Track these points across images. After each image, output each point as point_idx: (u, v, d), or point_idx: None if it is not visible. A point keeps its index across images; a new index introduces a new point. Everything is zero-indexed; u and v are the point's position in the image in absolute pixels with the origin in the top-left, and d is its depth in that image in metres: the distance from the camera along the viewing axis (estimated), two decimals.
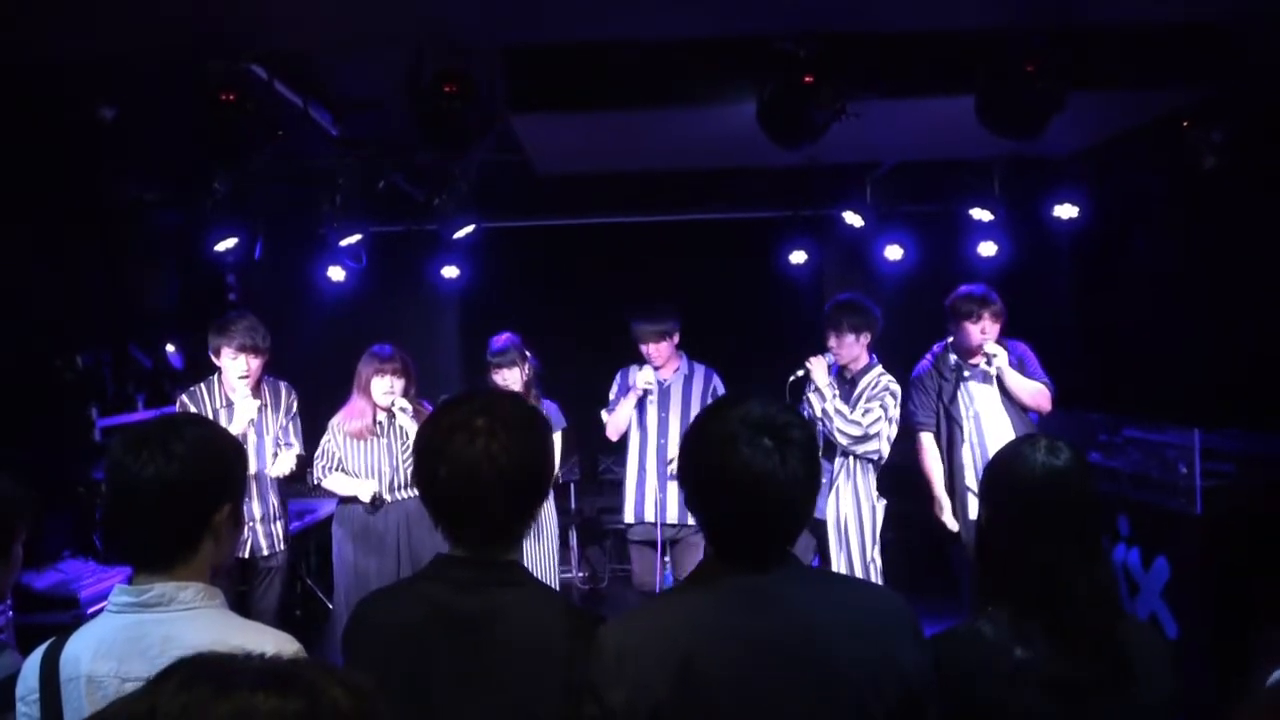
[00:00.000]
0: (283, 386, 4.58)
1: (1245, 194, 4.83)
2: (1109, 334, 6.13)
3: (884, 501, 4.77)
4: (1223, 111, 4.49)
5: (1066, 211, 5.60)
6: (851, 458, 4.67)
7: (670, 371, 4.92)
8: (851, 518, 4.70)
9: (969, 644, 1.83)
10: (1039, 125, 3.52)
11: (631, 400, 4.85)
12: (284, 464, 4.46)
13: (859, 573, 4.64)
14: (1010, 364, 4.68)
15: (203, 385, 4.43)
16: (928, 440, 4.82)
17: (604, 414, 4.99)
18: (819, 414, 4.60)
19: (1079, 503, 1.86)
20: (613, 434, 4.99)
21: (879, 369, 4.76)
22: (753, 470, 1.58)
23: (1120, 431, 5.15)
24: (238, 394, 4.28)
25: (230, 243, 5.37)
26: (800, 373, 4.72)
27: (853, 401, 4.68)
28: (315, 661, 0.70)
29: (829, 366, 4.74)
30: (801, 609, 1.61)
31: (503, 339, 4.96)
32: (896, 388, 4.70)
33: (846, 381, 4.77)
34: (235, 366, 4.27)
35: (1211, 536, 4.29)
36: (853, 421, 4.60)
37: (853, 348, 4.71)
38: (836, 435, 4.60)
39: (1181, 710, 1.85)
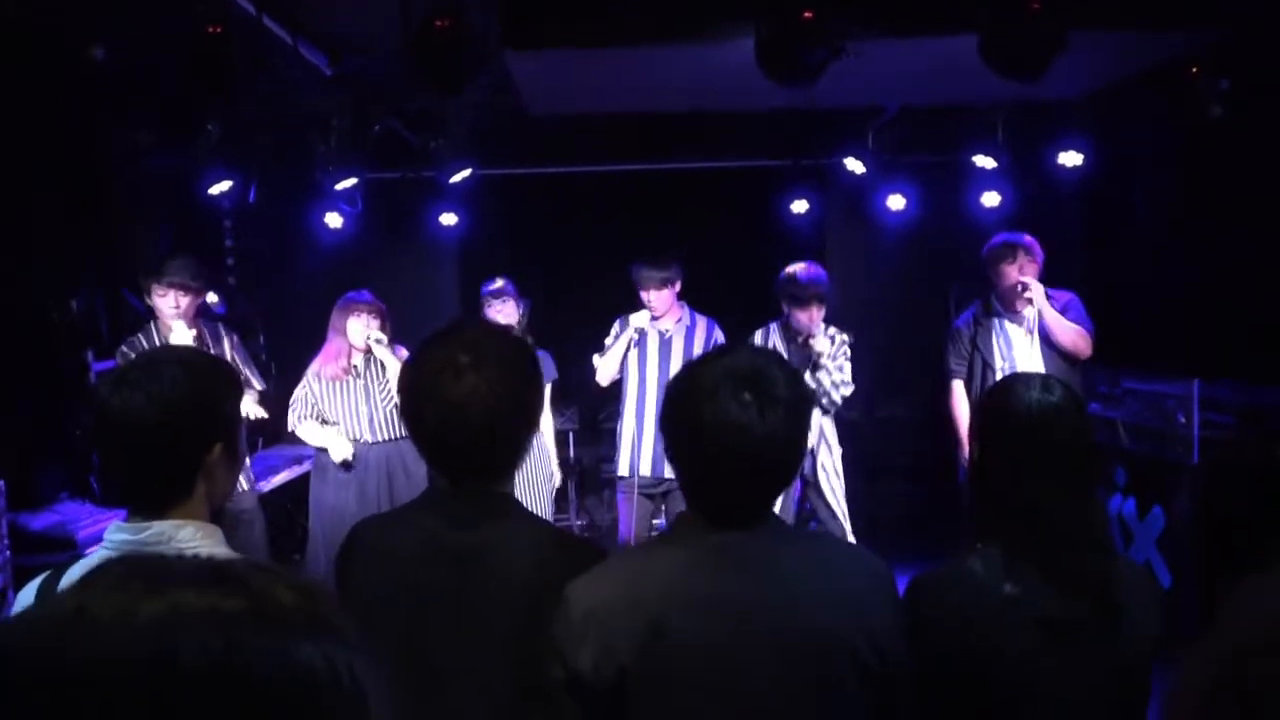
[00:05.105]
0: (221, 329, 4.62)
1: (1250, 143, 4.77)
2: (1113, 283, 6.08)
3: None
4: (1229, 59, 4.42)
5: (1071, 159, 5.54)
6: (824, 412, 4.76)
7: (672, 322, 4.83)
8: (836, 470, 4.82)
9: (959, 580, 1.81)
10: (1042, 65, 3.45)
11: (623, 344, 4.75)
12: (250, 410, 4.48)
13: (844, 520, 4.78)
14: (1054, 308, 4.64)
15: (140, 335, 4.41)
16: (958, 387, 4.86)
17: (596, 358, 4.92)
18: (829, 387, 4.64)
19: (1072, 440, 1.83)
20: (602, 378, 4.90)
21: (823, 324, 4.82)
22: (727, 424, 1.51)
23: (1120, 383, 5.15)
24: (175, 327, 4.31)
25: (224, 186, 5.33)
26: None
27: (815, 369, 4.71)
28: (257, 562, 0.67)
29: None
30: (774, 570, 1.56)
31: (497, 279, 5.02)
32: (846, 334, 4.78)
33: (799, 344, 4.76)
34: (164, 303, 4.29)
35: (1200, 486, 4.28)
36: (847, 383, 4.70)
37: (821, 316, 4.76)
38: (837, 400, 4.69)
39: (1167, 654, 1.84)
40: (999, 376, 4.62)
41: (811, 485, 4.82)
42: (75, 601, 0.59)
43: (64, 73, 4.43)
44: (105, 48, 4.30)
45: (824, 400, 4.69)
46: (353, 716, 0.61)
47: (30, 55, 4.23)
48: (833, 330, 4.77)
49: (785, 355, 4.71)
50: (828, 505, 4.79)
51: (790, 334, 4.80)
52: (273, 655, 0.58)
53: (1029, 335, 4.65)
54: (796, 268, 4.74)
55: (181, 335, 4.28)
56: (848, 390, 4.70)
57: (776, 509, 4.78)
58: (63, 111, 4.75)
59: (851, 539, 4.68)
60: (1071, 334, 4.56)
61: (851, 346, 4.77)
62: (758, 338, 4.88)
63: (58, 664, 0.56)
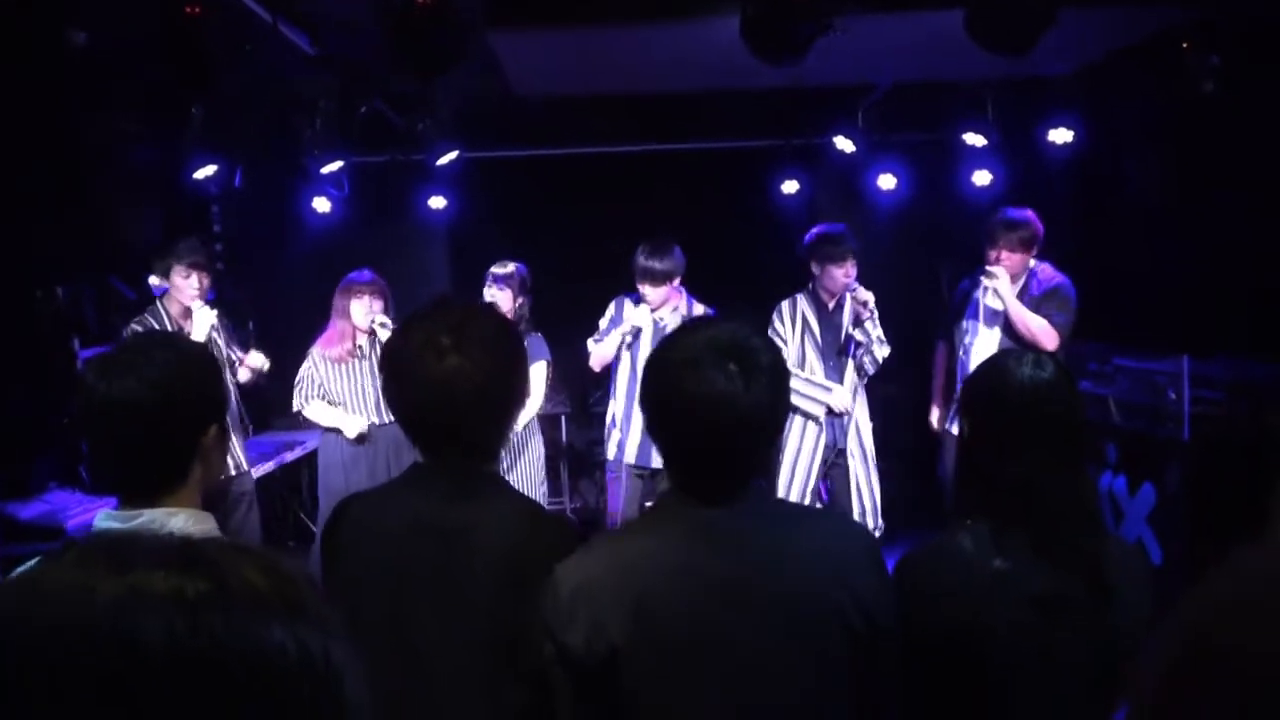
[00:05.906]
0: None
1: (1241, 118, 4.75)
2: (1103, 260, 6.07)
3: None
4: (1220, 34, 4.39)
5: (1061, 136, 5.51)
6: (860, 375, 4.72)
7: (669, 311, 4.63)
8: (865, 445, 4.77)
9: (948, 557, 1.81)
10: (1029, 40, 3.43)
11: (618, 335, 4.63)
12: (256, 361, 4.53)
13: (872, 497, 4.74)
14: (1031, 292, 4.52)
15: (148, 315, 4.38)
16: (940, 348, 5.00)
17: (591, 342, 4.79)
18: (874, 341, 4.60)
19: (1063, 416, 1.83)
20: (596, 364, 4.80)
21: None
22: (713, 395, 1.49)
23: (1110, 360, 5.14)
24: (195, 306, 4.30)
25: (209, 170, 5.29)
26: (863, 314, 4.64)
27: (859, 322, 4.64)
28: (232, 542, 0.65)
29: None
30: (761, 545, 1.56)
31: (509, 264, 4.85)
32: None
33: (829, 312, 4.71)
34: (189, 285, 4.28)
35: (1191, 460, 4.28)
36: (884, 341, 4.65)
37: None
38: (879, 358, 4.64)
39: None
40: (959, 353, 4.68)
41: (835, 463, 4.75)
42: (36, 576, 0.58)
43: (46, 59, 4.38)
44: (86, 33, 4.25)
45: (866, 359, 4.62)
46: (328, 700, 0.60)
47: (11, 43, 4.18)
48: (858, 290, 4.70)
49: (817, 325, 4.69)
50: (847, 480, 4.71)
51: (820, 303, 4.73)
52: (241, 638, 0.57)
53: (992, 329, 4.59)
54: (821, 228, 4.74)
55: (205, 317, 4.28)
56: (887, 350, 4.64)
57: (803, 492, 4.67)
58: (45, 99, 4.70)
59: (870, 521, 4.63)
60: (1031, 328, 4.40)
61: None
62: (785, 310, 4.78)
63: (13, 634, 0.55)
